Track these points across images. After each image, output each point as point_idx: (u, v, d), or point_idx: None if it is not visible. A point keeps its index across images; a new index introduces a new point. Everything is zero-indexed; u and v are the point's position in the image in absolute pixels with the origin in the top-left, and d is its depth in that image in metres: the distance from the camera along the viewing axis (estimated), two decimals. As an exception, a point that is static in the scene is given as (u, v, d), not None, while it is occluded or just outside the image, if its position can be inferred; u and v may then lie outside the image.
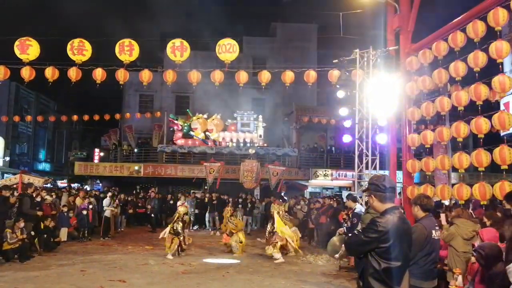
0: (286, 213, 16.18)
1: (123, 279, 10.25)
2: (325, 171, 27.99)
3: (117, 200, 19.31)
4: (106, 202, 18.27)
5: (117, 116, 31.16)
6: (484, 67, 9.34)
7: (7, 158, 34.71)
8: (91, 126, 33.78)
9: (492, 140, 9.84)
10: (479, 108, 9.43)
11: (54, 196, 17.49)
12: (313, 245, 16.69)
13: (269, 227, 14.28)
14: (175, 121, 29.04)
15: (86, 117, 29.08)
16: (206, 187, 25.19)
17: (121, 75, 15.09)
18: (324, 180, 28.20)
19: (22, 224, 12.43)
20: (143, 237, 18.81)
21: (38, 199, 14.47)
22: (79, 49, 14.16)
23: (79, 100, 40.81)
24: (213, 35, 25.24)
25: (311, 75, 16.01)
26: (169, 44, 14.27)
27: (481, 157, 9.18)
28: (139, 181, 29.25)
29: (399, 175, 13.86)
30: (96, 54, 15.00)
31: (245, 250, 14.71)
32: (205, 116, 28.51)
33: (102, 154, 33.58)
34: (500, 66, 9.10)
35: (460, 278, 6.48)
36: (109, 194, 19.09)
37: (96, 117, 28.68)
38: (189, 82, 15.73)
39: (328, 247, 11.45)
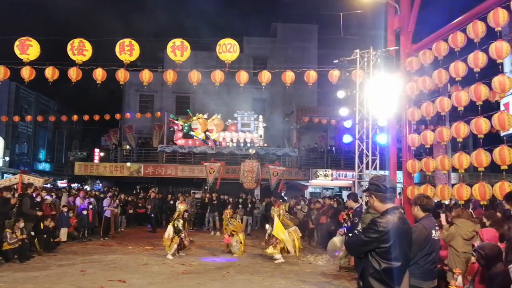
0: (287, 213, 16.18)
1: (123, 279, 10.25)
2: (325, 171, 27.97)
3: (117, 200, 19.32)
4: (106, 202, 18.27)
5: (117, 116, 31.17)
6: (484, 68, 9.35)
7: (7, 158, 34.72)
8: (91, 126, 33.77)
9: (492, 140, 9.85)
10: (479, 108, 9.44)
11: (54, 196, 17.50)
12: (313, 245, 16.69)
13: (268, 230, 14.29)
14: (176, 121, 29.03)
15: (86, 117, 29.07)
16: (206, 187, 25.17)
17: (121, 75, 15.12)
18: (324, 180, 28.17)
19: (22, 224, 12.43)
20: (143, 237, 18.80)
21: (38, 199, 14.47)
22: (79, 49, 14.18)
23: (79, 100, 40.90)
24: (213, 35, 25.22)
25: (311, 75, 16.03)
26: (170, 44, 14.29)
27: (481, 158, 9.19)
28: (139, 181, 29.24)
29: (399, 175, 13.87)
30: (97, 54, 15.01)
31: (245, 251, 14.71)
32: (206, 116, 28.49)
33: (102, 154, 33.59)
34: (500, 67, 9.12)
35: (460, 278, 6.48)
36: (109, 194, 19.08)
37: (96, 117, 28.65)
38: (190, 82, 15.75)
39: (328, 247, 11.45)
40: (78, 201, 17.68)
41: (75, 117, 30.50)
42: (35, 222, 13.67)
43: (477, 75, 9.45)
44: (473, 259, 6.47)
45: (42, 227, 13.87)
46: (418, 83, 11.71)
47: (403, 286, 3.79)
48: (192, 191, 26.91)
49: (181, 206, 14.36)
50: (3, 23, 42.52)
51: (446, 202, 11.99)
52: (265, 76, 15.77)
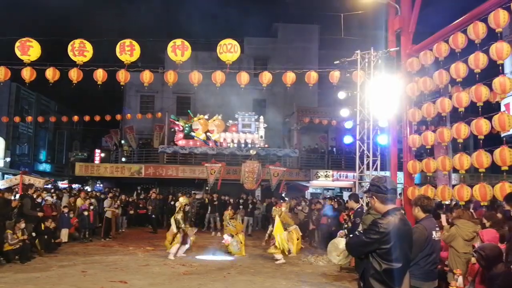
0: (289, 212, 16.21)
1: (124, 280, 10.26)
2: (326, 172, 27.97)
3: (118, 201, 19.33)
4: (107, 203, 18.28)
5: (118, 116, 31.15)
6: (485, 69, 9.34)
7: (8, 159, 34.71)
8: (92, 127, 33.75)
9: (493, 141, 9.85)
10: (480, 109, 9.44)
11: (54, 197, 17.50)
12: (314, 246, 16.68)
13: (269, 230, 14.34)
14: (176, 122, 29.04)
15: (87, 118, 29.04)
16: (207, 188, 25.18)
17: (122, 76, 15.11)
18: (325, 181, 28.18)
19: (22, 225, 12.44)
20: (144, 238, 18.80)
21: (39, 200, 14.48)
22: (80, 50, 14.17)
23: (80, 101, 40.91)
24: (214, 35, 25.26)
25: (312, 76, 16.02)
26: (170, 44, 14.27)
27: (482, 158, 9.18)
28: (140, 182, 29.26)
29: (400, 176, 13.87)
30: (97, 54, 15.02)
31: (246, 251, 14.72)
32: (206, 117, 28.51)
33: (103, 155, 33.60)
34: (501, 68, 9.10)
35: (460, 279, 6.49)
36: (110, 195, 19.08)
37: (97, 118, 28.57)
38: (190, 82, 15.74)
39: (328, 248, 11.44)
40: (79, 201, 17.70)
41: (75, 118, 30.45)
42: (36, 223, 13.67)
43: (477, 76, 9.44)
44: (473, 260, 6.47)
45: (43, 228, 13.87)
46: (418, 84, 11.71)
47: (403, 287, 3.80)
48: (193, 191, 26.92)
49: (182, 199, 14.36)
50: (4, 24, 42.54)
51: (447, 203, 11.98)
52: (266, 77, 15.76)
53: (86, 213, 17.09)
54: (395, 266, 3.74)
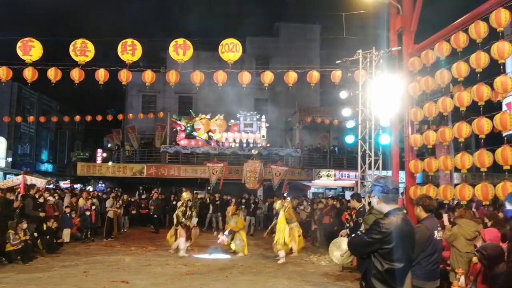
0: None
1: (126, 280, 10.26)
2: (328, 171, 27.97)
3: (120, 201, 19.35)
4: (109, 203, 18.30)
5: (120, 116, 31.20)
6: (486, 68, 9.33)
7: (10, 159, 34.78)
8: (94, 127, 33.80)
9: (494, 140, 9.83)
10: (481, 108, 9.43)
11: (56, 197, 17.52)
12: (316, 246, 16.68)
13: (274, 222, 14.38)
14: (178, 122, 29.08)
15: (88, 118, 29.13)
16: (209, 188, 25.19)
17: (124, 75, 15.12)
18: (327, 180, 28.18)
19: (25, 225, 12.46)
20: (146, 237, 18.82)
21: (41, 200, 14.49)
22: (82, 50, 14.17)
23: (81, 101, 40.99)
24: (216, 35, 25.26)
25: (314, 75, 16.02)
26: (172, 43, 14.26)
27: (483, 158, 9.17)
28: (142, 182, 29.28)
29: (402, 175, 13.85)
30: (99, 54, 15.03)
31: (248, 251, 14.73)
32: (208, 116, 28.55)
33: (104, 154, 33.63)
34: (502, 67, 9.08)
35: (462, 278, 6.49)
36: (112, 195, 19.10)
37: (99, 118, 28.59)
38: (192, 82, 15.75)
39: (330, 248, 11.44)
40: (81, 201, 17.72)
41: (77, 118, 30.47)
42: (38, 223, 13.69)
43: (479, 75, 9.43)
44: (475, 259, 6.47)
45: (45, 228, 13.90)
46: (420, 83, 11.69)
47: (405, 287, 3.81)
48: (195, 191, 26.92)
49: (185, 194, 14.35)
50: (6, 24, 42.59)
51: (449, 202, 11.97)
52: (268, 76, 15.76)
53: (88, 213, 17.13)
54: (397, 266, 3.74)
